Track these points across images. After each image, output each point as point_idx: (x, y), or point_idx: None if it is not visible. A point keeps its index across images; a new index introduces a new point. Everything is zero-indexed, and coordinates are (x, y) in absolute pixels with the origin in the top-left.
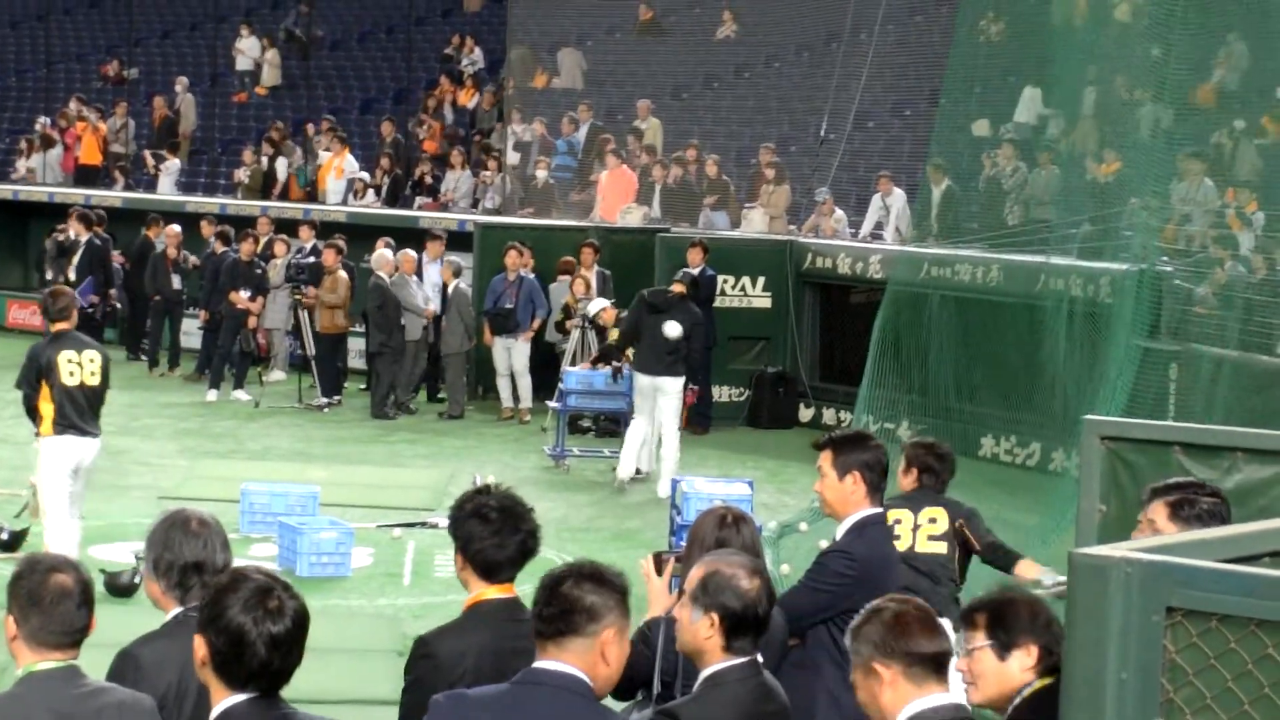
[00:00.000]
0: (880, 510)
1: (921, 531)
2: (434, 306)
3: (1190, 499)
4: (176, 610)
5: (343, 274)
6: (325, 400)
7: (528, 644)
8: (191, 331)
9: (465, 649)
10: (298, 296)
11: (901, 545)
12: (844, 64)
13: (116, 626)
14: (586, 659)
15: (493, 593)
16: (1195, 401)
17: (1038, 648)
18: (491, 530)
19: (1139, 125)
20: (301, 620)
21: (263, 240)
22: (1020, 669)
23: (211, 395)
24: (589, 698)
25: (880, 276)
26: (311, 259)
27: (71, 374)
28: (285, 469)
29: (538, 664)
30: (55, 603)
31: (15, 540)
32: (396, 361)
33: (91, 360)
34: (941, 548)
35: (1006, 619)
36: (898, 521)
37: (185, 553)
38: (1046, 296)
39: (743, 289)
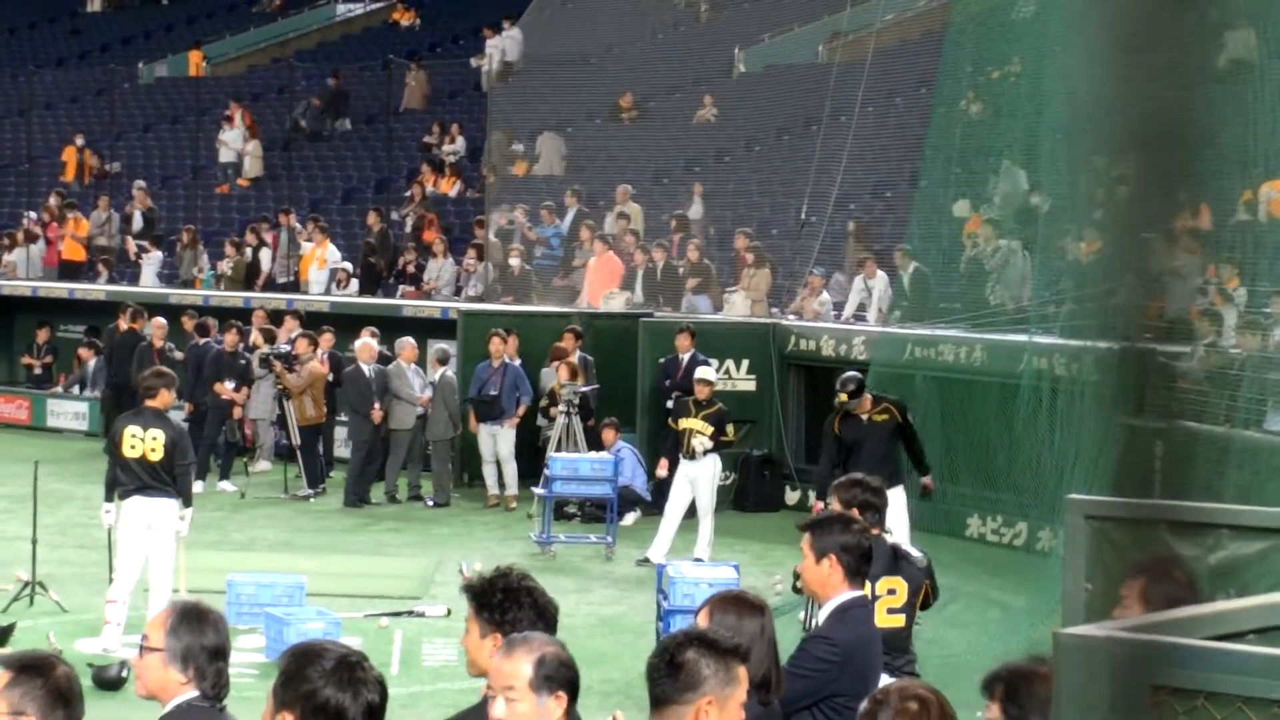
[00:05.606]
0: (861, 594)
1: (880, 604)
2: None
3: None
4: (183, 698)
5: (315, 364)
6: (310, 490)
7: None
8: None
9: None
10: (276, 373)
11: None
12: (824, 147)
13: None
14: None
15: None
16: (1180, 478)
17: None
18: (542, 612)
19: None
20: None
21: (253, 333)
22: None
23: (197, 486)
24: None
25: (864, 358)
26: (287, 347)
27: (133, 447)
28: (271, 559)
29: None
30: None
31: (2, 635)
32: (362, 448)
33: (154, 437)
34: (900, 621)
35: (1021, 693)
36: None
37: (210, 639)
38: (1030, 375)
39: (727, 372)
